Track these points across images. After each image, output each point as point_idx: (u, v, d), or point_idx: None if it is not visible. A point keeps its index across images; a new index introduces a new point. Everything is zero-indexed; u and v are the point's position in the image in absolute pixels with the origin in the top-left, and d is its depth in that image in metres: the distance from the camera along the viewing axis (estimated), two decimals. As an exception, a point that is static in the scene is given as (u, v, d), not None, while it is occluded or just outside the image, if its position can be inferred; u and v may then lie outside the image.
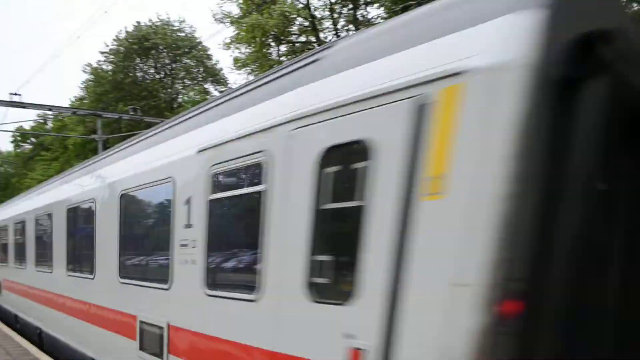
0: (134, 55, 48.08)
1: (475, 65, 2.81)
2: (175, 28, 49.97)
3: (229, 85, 50.47)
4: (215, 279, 5.28)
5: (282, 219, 4.12)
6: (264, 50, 32.12)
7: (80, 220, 9.53)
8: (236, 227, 5.43)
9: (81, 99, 60.54)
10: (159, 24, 49.42)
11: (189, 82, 49.89)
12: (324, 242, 3.80)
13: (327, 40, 32.29)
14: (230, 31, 33.49)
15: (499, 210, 2.58)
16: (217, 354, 4.97)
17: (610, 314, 3.16)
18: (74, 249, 9.61)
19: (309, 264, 3.83)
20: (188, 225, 5.51)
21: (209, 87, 50.39)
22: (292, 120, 4.14)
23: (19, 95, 23.90)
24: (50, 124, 79.17)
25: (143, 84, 48.68)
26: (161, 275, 6.18)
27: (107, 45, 49.24)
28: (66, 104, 63.93)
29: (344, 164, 3.70)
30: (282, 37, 32.23)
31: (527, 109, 2.54)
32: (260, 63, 32.08)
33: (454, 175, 2.82)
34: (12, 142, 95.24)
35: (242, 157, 4.75)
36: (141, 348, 6.70)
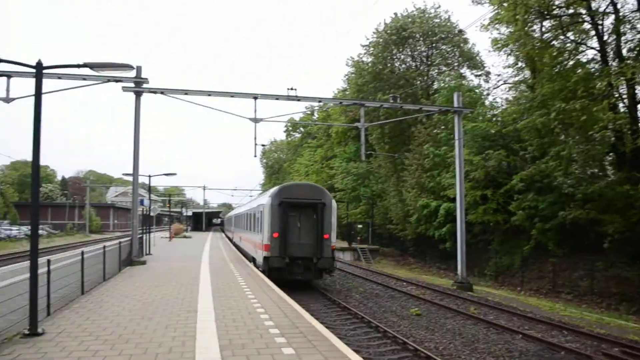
0: (392, 45, 49.81)
1: (265, 203, 23.63)
2: (431, 15, 50.25)
3: (486, 69, 48.87)
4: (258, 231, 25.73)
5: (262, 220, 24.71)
6: (526, 28, 30.26)
7: (259, 216, 25.79)
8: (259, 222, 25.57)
9: (344, 90, 65.12)
10: (415, 13, 50.27)
11: (445, 68, 49.74)
12: (265, 228, 23.42)
13: (599, 10, 28.98)
14: (489, 12, 32.40)
15: (270, 223, 22.82)
16: (260, 244, 24.40)
17: (285, 239, 22.65)
18: (253, 225, 28.15)
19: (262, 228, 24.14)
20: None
21: (465, 71, 49.54)
22: (259, 205, 26.39)
23: (295, 90, 26.79)
24: (316, 115, 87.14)
25: (400, 72, 50.15)
26: (256, 233, 26.49)
27: (368, 39, 51.95)
28: (330, 95, 69.29)
29: (258, 210, 26.54)
30: (546, 12, 29.96)
31: (273, 210, 22.77)
32: (522, 42, 30.32)
33: (264, 215, 23.82)
34: (284, 131, 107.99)
35: (260, 205, 25.80)
36: (264, 253, 23.15)
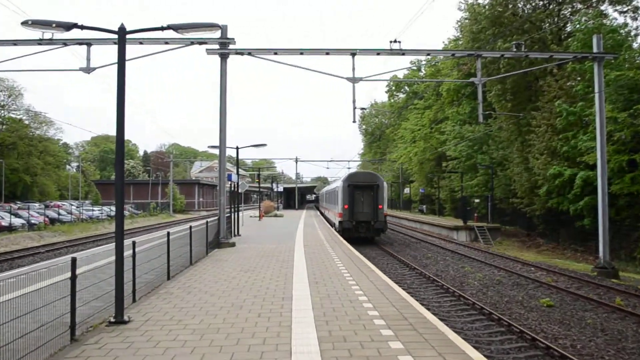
0: (513, -18, 47.60)
1: (339, 185, 41.05)
2: (562, -59, 47.29)
3: (633, 3, 45.54)
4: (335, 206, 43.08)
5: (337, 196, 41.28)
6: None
7: (336, 193, 41.44)
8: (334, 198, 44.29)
9: (456, 40, 63.24)
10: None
11: (581, 6, 46.84)
12: (339, 201, 39.29)
13: None
14: None
15: (342, 199, 38.72)
16: (337, 213, 40.41)
17: (352, 209, 38.56)
18: (334, 202, 43.72)
19: (338, 202, 40.31)
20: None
21: (607, 8, 46.38)
22: (335, 187, 44.22)
23: (399, 42, 26.38)
24: (423, 71, 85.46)
25: (524, 15, 47.88)
26: (334, 205, 42.59)
27: (484, -24, 49.89)
28: (440, 47, 67.56)
29: (335, 189, 43.31)
30: None
31: (344, 190, 38.69)
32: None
33: (338, 193, 40.29)
34: (386, 92, 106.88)
35: (336, 187, 42.83)
36: (339, 219, 39.09)
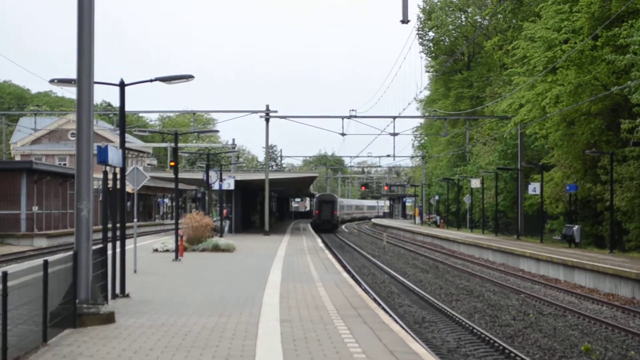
0: None
1: (314, 201, 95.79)
2: None
3: None
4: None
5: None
6: None
7: (313, 205, 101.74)
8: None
9: None
10: None
11: None
12: (314, 209, 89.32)
13: None
14: None
15: (315, 208, 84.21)
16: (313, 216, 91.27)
17: (320, 213, 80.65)
18: (312, 208, 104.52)
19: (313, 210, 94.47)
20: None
21: None
22: (312, 202, 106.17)
23: None
24: None
25: None
26: (312, 211, 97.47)
27: None
28: None
29: (312, 203, 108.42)
30: None
31: (316, 203, 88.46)
32: None
33: (314, 205, 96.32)
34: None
35: (313, 202, 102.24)
36: (313, 219, 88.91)
